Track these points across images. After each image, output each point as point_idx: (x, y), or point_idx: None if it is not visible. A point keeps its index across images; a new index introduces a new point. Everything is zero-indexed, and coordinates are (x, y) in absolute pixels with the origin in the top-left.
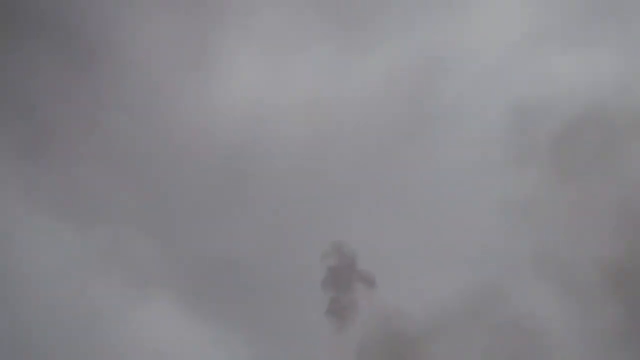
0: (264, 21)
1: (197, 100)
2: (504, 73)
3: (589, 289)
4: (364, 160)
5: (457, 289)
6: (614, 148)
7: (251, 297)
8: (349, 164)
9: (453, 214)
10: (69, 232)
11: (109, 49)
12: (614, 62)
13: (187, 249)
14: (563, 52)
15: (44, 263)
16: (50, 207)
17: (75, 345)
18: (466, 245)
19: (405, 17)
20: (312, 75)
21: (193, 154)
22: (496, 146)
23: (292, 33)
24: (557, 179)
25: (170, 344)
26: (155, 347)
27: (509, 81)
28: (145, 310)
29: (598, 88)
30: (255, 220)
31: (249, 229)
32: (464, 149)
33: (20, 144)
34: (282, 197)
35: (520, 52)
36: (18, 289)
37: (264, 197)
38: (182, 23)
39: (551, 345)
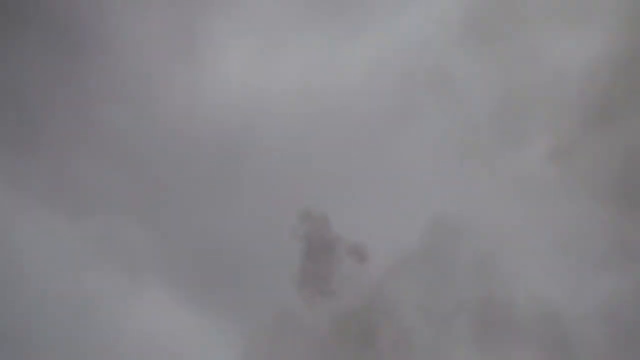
0: (252, 9)
1: (187, 90)
2: None
3: None
4: (354, 148)
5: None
6: None
7: (245, 283)
8: (340, 151)
9: (443, 200)
10: (62, 222)
11: (98, 39)
12: None
13: (181, 236)
14: None
15: (37, 254)
16: (41, 197)
17: (69, 335)
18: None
19: (395, 2)
20: (302, 63)
21: (184, 143)
22: (488, 128)
23: (281, 21)
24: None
25: (165, 332)
26: (149, 335)
27: None
28: (139, 298)
29: None
30: (247, 207)
31: (241, 215)
32: (455, 134)
33: (11, 134)
34: (273, 184)
35: None
36: (10, 279)
37: (254, 184)
38: (171, 12)
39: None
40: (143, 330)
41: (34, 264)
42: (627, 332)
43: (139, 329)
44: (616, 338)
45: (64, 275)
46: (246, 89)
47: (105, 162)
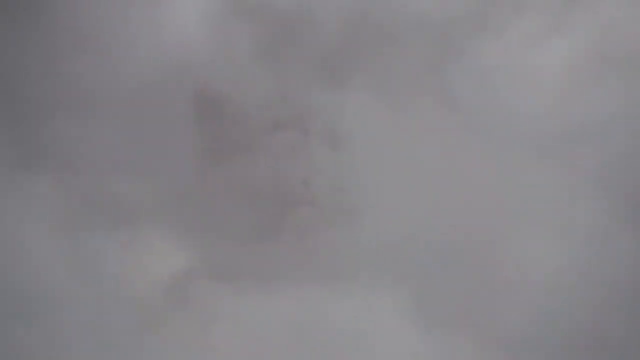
0: None
1: (149, 33)
2: None
3: None
4: None
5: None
6: None
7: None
8: None
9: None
10: (45, 186)
11: None
12: None
13: (172, 182)
14: None
15: (24, 221)
16: (21, 163)
17: (68, 295)
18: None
19: None
20: None
21: (153, 87)
22: None
23: None
24: None
25: (164, 281)
26: (149, 286)
27: None
28: (137, 250)
29: None
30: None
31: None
32: None
33: None
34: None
35: None
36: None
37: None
38: None
39: None
40: (143, 280)
41: (23, 232)
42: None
43: (139, 280)
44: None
45: (58, 239)
46: (211, 31)
47: (83, 120)
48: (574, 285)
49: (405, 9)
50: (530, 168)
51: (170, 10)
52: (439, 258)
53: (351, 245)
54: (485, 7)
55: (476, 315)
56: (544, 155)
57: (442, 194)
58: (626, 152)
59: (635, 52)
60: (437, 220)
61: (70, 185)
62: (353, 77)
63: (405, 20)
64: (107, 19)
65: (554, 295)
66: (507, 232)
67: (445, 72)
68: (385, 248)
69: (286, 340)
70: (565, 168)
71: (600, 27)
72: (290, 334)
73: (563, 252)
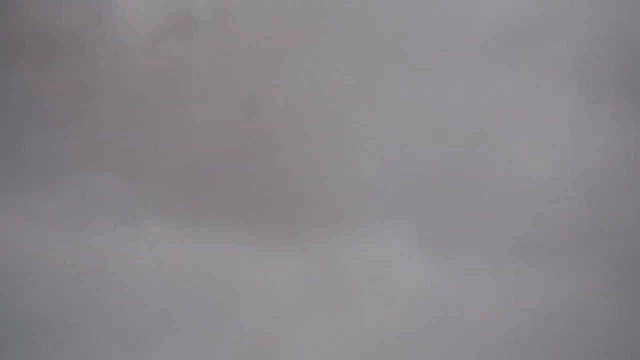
0: None
1: None
2: None
3: None
4: None
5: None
6: None
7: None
8: None
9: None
10: (35, 196)
11: None
12: None
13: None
14: None
15: (24, 235)
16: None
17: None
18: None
19: None
20: None
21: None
22: None
23: None
24: None
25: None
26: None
27: None
28: (145, 241)
29: None
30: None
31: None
32: None
33: None
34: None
35: None
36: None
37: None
38: None
39: None
40: (162, 269)
41: (28, 247)
42: None
43: (157, 270)
44: None
45: (65, 242)
46: None
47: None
48: (568, 177)
49: None
50: (497, 72)
51: None
52: (436, 186)
53: (350, 188)
54: None
55: (480, 231)
56: (507, 56)
57: (421, 123)
58: (594, 35)
59: None
60: (425, 149)
61: (59, 194)
62: None
63: None
64: None
65: (552, 194)
66: (493, 145)
67: None
68: (382, 185)
69: (303, 295)
70: (532, 63)
71: None
72: (306, 289)
73: (552, 150)
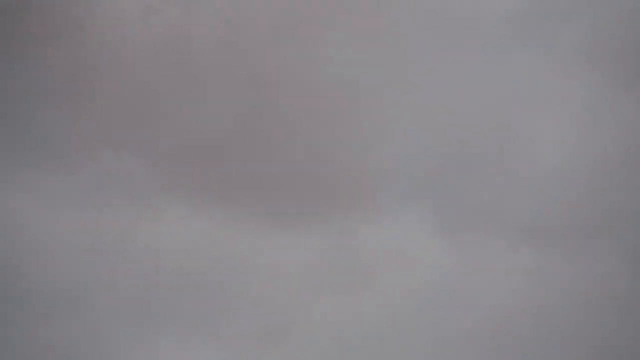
0: None
1: None
2: None
3: None
4: None
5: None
6: None
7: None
8: None
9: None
10: (55, 177)
11: None
12: None
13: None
14: None
15: (41, 217)
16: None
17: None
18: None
19: None
20: None
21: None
22: None
23: None
24: None
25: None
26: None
27: None
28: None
29: None
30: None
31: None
32: None
33: None
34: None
35: None
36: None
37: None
38: None
39: None
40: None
41: (44, 229)
42: None
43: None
44: None
45: (83, 222)
46: None
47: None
48: (585, 162)
49: None
50: (516, 58)
51: None
52: (454, 170)
53: (368, 171)
54: None
55: (497, 215)
56: (525, 40)
57: (439, 108)
58: (613, 19)
59: None
60: (444, 134)
61: (77, 176)
62: None
63: None
64: None
65: (569, 179)
66: (511, 130)
67: None
68: (401, 168)
69: (319, 276)
70: (550, 47)
71: None
72: (322, 270)
73: (569, 135)
